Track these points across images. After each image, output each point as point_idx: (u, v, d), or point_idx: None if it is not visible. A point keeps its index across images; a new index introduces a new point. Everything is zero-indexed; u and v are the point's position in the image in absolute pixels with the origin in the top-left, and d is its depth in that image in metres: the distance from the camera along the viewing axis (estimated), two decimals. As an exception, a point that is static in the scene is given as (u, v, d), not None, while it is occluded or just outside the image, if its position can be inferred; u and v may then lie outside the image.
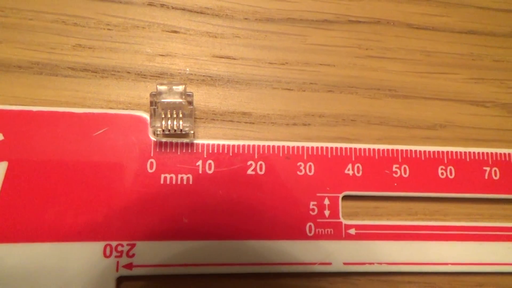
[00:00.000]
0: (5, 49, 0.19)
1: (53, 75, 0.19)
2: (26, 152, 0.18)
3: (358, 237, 0.19)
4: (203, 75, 0.21)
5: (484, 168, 0.20)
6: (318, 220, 0.19)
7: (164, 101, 0.17)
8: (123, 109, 0.19)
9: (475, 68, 0.23)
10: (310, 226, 0.19)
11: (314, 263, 0.19)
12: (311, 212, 0.19)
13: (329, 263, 0.19)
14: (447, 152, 0.20)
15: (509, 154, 0.21)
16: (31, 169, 0.17)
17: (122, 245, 0.18)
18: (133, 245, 0.18)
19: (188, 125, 0.17)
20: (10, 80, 0.19)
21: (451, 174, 0.20)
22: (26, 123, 0.18)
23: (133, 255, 0.18)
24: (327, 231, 0.19)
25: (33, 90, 0.19)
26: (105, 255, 0.17)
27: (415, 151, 0.20)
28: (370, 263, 0.19)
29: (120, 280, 0.18)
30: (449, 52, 0.23)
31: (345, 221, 0.19)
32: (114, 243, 0.17)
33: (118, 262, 0.17)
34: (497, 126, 0.22)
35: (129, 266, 0.17)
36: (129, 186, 0.18)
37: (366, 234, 0.19)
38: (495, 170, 0.20)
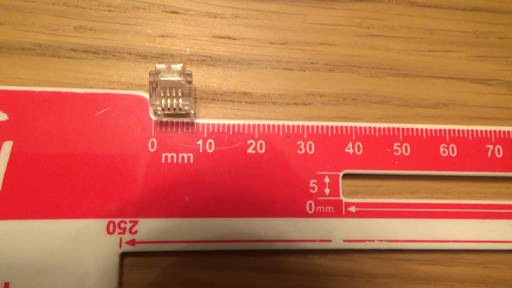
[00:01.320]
0: (8, 31, 0.19)
1: (56, 57, 0.19)
2: (30, 131, 0.18)
3: (358, 214, 0.19)
4: (203, 56, 0.21)
5: (487, 146, 0.20)
6: (318, 198, 0.19)
7: (163, 80, 0.17)
8: (124, 89, 0.19)
9: (479, 46, 0.22)
10: (310, 204, 0.19)
11: (314, 240, 0.19)
12: (311, 190, 0.19)
13: (329, 240, 0.19)
14: (449, 130, 0.20)
15: (512, 131, 0.20)
16: (35, 148, 0.18)
17: (125, 222, 0.18)
18: (135, 222, 0.18)
19: (187, 103, 0.17)
20: (14, 62, 0.19)
21: (453, 152, 0.20)
22: (29, 104, 0.18)
23: (136, 231, 0.18)
24: (327, 209, 0.19)
25: (36, 72, 0.19)
26: (108, 232, 0.18)
27: (417, 129, 0.20)
28: (370, 241, 0.19)
29: (123, 255, 0.18)
30: (453, 29, 0.22)
31: (345, 199, 0.19)
32: (117, 220, 0.18)
33: (121, 238, 0.18)
34: (501, 104, 0.22)
35: (132, 242, 0.18)
36: (131, 164, 0.18)
37: (366, 212, 0.19)
38: (498, 148, 0.20)
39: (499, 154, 0.20)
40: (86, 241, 0.17)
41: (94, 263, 0.17)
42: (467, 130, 0.20)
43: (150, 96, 0.17)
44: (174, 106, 0.17)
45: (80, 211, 0.18)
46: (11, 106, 0.18)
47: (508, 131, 0.20)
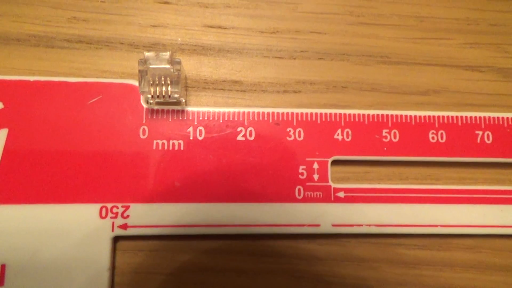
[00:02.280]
0: (4, 23, 0.20)
1: (50, 47, 0.20)
2: (24, 119, 0.18)
3: (347, 200, 0.19)
4: (195, 45, 0.21)
5: (477, 132, 0.20)
6: (307, 184, 0.19)
7: (152, 67, 0.17)
8: (117, 78, 0.20)
9: (470, 33, 0.22)
10: (299, 190, 0.19)
11: (303, 225, 0.19)
12: (300, 176, 0.19)
13: (318, 225, 0.19)
14: (438, 116, 0.20)
15: (502, 117, 0.20)
16: (30, 135, 0.18)
17: (117, 207, 0.18)
18: (127, 207, 0.18)
19: (176, 90, 0.18)
20: (9, 52, 0.20)
21: (442, 138, 0.20)
22: (24, 92, 0.19)
23: (128, 216, 0.18)
24: (316, 194, 0.19)
25: (31, 62, 0.20)
26: (101, 216, 0.18)
27: (405, 115, 0.20)
28: (358, 225, 0.19)
29: (116, 239, 0.19)
30: (444, 17, 0.22)
31: (334, 185, 0.19)
32: (109, 205, 0.18)
33: (113, 222, 0.18)
34: (492, 91, 0.22)
35: (124, 226, 0.18)
36: (123, 151, 0.19)
37: (355, 197, 0.19)
38: (487, 134, 0.20)
39: (488, 140, 0.20)
40: (79, 225, 0.18)
41: (87, 247, 0.18)
42: (456, 117, 0.20)
43: (140, 83, 0.17)
44: (164, 94, 0.18)
45: (74, 196, 0.18)
46: (6, 95, 0.19)
47: (498, 117, 0.20)
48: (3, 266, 0.17)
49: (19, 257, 0.17)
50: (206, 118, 0.20)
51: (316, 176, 0.19)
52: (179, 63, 0.18)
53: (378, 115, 0.20)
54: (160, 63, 0.17)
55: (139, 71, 0.17)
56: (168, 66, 0.17)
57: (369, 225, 0.19)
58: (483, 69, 0.22)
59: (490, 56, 0.22)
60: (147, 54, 0.17)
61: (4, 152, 0.18)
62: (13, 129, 0.18)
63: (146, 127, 0.19)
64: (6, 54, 0.20)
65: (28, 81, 0.19)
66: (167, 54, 0.17)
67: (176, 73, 0.17)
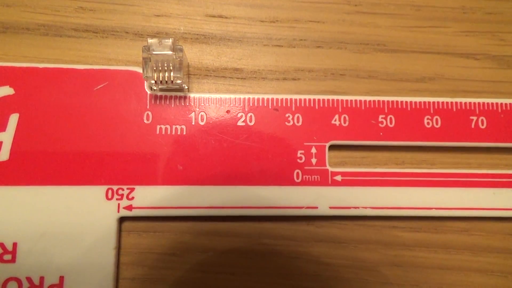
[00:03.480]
0: (14, 13, 0.21)
1: (58, 36, 0.21)
2: (34, 104, 0.19)
3: (344, 183, 0.20)
4: (197, 34, 0.22)
5: (471, 117, 0.21)
6: (305, 167, 0.20)
7: (155, 53, 0.18)
8: (122, 66, 0.21)
9: (466, 21, 0.23)
10: (297, 173, 0.20)
11: (301, 207, 0.20)
12: (298, 160, 0.20)
13: (316, 207, 0.20)
14: (433, 102, 0.21)
15: (496, 103, 0.21)
16: (39, 119, 0.19)
17: (123, 189, 0.19)
18: (132, 189, 0.19)
19: (178, 75, 0.18)
20: (19, 41, 0.21)
21: (437, 123, 0.21)
22: (34, 79, 0.20)
23: (133, 198, 0.19)
24: (314, 177, 0.20)
25: (40, 50, 0.21)
26: (107, 198, 0.19)
27: (401, 101, 0.21)
28: (355, 207, 0.20)
29: (121, 220, 0.19)
30: (440, 5, 0.23)
31: (331, 169, 0.20)
32: (115, 187, 0.19)
33: (119, 204, 0.19)
34: (487, 78, 0.22)
35: (129, 207, 0.19)
36: (128, 136, 0.19)
37: (352, 180, 0.20)
38: (482, 119, 0.21)
39: (482, 125, 0.21)
40: (86, 206, 0.19)
41: (94, 227, 0.19)
42: (451, 102, 0.21)
43: (143, 69, 0.18)
44: (166, 79, 0.18)
45: (81, 178, 0.19)
46: (17, 81, 0.19)
47: (492, 103, 0.21)
48: (15, 244, 0.18)
49: (29, 236, 0.18)
50: (207, 104, 0.20)
51: (314, 160, 0.20)
52: (181, 50, 0.18)
53: (374, 101, 0.21)
54: (163, 50, 0.18)
55: (143, 57, 0.18)
56: (170, 52, 0.18)
57: (365, 208, 0.20)
58: (478, 57, 0.22)
59: (486, 44, 0.22)
60: (150, 40, 0.18)
61: (15, 136, 0.19)
62: (23, 114, 0.19)
63: (150, 113, 0.20)
64: (17, 42, 0.21)
65: (38, 68, 0.20)
66: (169, 41, 0.18)
67: (178, 59, 0.18)
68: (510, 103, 0.21)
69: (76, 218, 0.19)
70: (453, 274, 0.20)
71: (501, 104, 0.21)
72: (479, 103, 0.21)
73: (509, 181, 0.20)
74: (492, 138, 0.21)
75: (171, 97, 0.20)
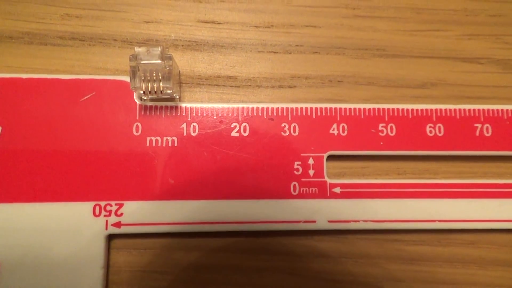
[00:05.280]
0: (-3, 21, 0.20)
1: (43, 44, 0.20)
2: (18, 117, 0.18)
3: (343, 195, 0.19)
4: (189, 41, 0.21)
5: (475, 125, 0.20)
6: (303, 179, 0.19)
7: (143, 63, 0.17)
8: (111, 75, 0.20)
9: (469, 24, 0.22)
10: (294, 186, 0.19)
11: (299, 221, 0.19)
12: (295, 172, 0.19)
13: (314, 221, 0.19)
14: (436, 109, 0.20)
15: (502, 110, 0.20)
16: (23, 133, 0.18)
17: (111, 205, 0.18)
18: (121, 205, 0.18)
19: (168, 85, 0.17)
20: (2, 50, 0.20)
21: (440, 131, 0.20)
22: (17, 90, 0.19)
23: (122, 214, 0.18)
24: (312, 190, 0.19)
25: (24, 59, 0.20)
26: (94, 214, 0.18)
27: (402, 109, 0.20)
28: (355, 221, 0.19)
29: (110, 237, 0.19)
30: (441, 8, 0.22)
31: (330, 180, 0.19)
32: (103, 203, 0.18)
33: (107, 221, 0.18)
34: (491, 83, 0.21)
35: (118, 224, 0.18)
36: (116, 148, 0.19)
37: (351, 192, 0.19)
38: (487, 127, 0.20)
39: (487, 133, 0.20)
40: (73, 223, 0.18)
41: (81, 245, 0.18)
42: (455, 109, 0.20)
43: (131, 79, 0.17)
44: (155, 89, 0.18)
45: (67, 194, 0.18)
46: (-1, 93, 0.19)
47: (497, 109, 0.20)
48: (-3, 264, 0.17)
49: (13, 255, 0.17)
50: (200, 114, 0.19)
51: (311, 172, 0.19)
52: (170, 58, 0.17)
53: (374, 109, 0.20)
54: (151, 59, 0.17)
55: (130, 67, 0.17)
56: (159, 61, 0.17)
57: (366, 221, 0.19)
58: (482, 61, 0.21)
59: (489, 48, 0.22)
60: (138, 49, 0.17)
61: (-3, 150, 0.18)
62: (6, 127, 0.18)
63: (139, 124, 0.19)
64: (0, 52, 0.20)
65: (21, 79, 0.19)
66: (158, 50, 0.17)
67: (168, 68, 0.17)
68: (516, 110, 0.20)
69: (62, 236, 0.18)
70: (458, 289, 0.19)
71: (507, 110, 0.20)
72: (483, 110, 0.20)
73: (516, 191, 0.20)
74: (497, 146, 0.20)
75: (161, 107, 0.19)
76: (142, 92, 0.18)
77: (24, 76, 0.19)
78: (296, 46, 0.21)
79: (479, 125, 0.20)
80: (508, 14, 0.22)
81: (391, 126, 0.20)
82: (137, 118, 0.19)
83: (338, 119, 0.20)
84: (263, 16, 0.21)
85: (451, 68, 0.21)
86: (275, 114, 0.20)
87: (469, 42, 0.22)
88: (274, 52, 0.21)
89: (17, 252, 0.17)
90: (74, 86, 0.19)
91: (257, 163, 0.19)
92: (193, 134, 0.19)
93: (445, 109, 0.20)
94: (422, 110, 0.20)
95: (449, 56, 0.21)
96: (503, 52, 0.22)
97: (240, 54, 0.21)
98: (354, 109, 0.20)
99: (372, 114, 0.20)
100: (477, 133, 0.20)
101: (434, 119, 0.20)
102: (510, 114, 0.20)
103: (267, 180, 0.19)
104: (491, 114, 0.20)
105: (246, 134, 0.19)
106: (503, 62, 0.21)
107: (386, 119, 0.20)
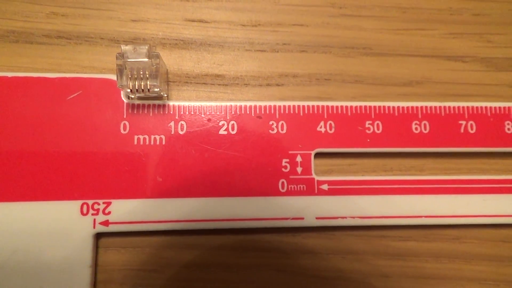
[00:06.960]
0: (-19, 19, 0.20)
1: (29, 43, 0.20)
2: (3, 116, 0.18)
3: (331, 192, 0.19)
4: (176, 39, 0.21)
5: (460, 122, 0.20)
6: (291, 176, 0.19)
7: (130, 61, 0.17)
8: (97, 73, 0.20)
9: (453, 23, 0.22)
10: (282, 183, 0.19)
11: (287, 218, 0.19)
12: (283, 169, 0.19)
13: (302, 218, 0.19)
14: (421, 107, 0.20)
15: (485, 107, 0.20)
16: (9, 132, 0.18)
17: (98, 203, 0.18)
18: (108, 203, 0.18)
19: (155, 83, 0.17)
20: (-13, 49, 0.19)
21: (425, 129, 0.20)
22: (2, 89, 0.18)
23: (109, 212, 0.18)
24: (300, 187, 0.19)
25: (10, 58, 0.20)
26: (82, 213, 0.18)
27: (388, 107, 0.20)
28: (342, 217, 0.19)
29: (98, 236, 0.19)
30: (426, 7, 0.22)
31: (317, 177, 0.19)
32: (90, 202, 0.18)
33: (95, 219, 0.18)
34: (476, 81, 0.22)
35: (106, 223, 0.18)
36: (104, 147, 0.19)
37: (339, 189, 0.19)
38: (471, 124, 0.20)
39: (472, 129, 0.20)
40: (60, 222, 0.18)
41: (68, 244, 0.18)
42: (440, 107, 0.20)
43: (118, 77, 0.17)
44: (143, 87, 0.17)
45: (53, 193, 0.18)
46: (-16, 91, 0.18)
47: (481, 107, 0.20)
48: (-17, 264, 0.17)
49: (0, 254, 0.17)
50: (187, 113, 0.19)
51: (299, 169, 0.19)
52: (157, 56, 0.17)
53: (361, 106, 0.20)
54: (138, 57, 0.17)
55: (117, 65, 0.17)
56: (146, 59, 0.17)
57: (353, 217, 0.19)
58: (466, 59, 0.22)
59: (473, 46, 0.22)
60: (124, 47, 0.17)
61: (-18, 149, 0.18)
62: (-9, 126, 0.18)
63: (127, 122, 0.19)
64: (-16, 50, 0.19)
65: (6, 77, 0.19)
66: (145, 48, 0.17)
67: (155, 66, 0.17)
68: (499, 107, 0.20)
69: (49, 235, 0.18)
70: (445, 284, 0.20)
71: (491, 107, 0.20)
72: (468, 107, 0.20)
73: (499, 187, 0.20)
74: (482, 142, 0.20)
75: (149, 105, 0.19)
76: (129, 90, 0.18)
77: (10, 74, 0.19)
78: (284, 45, 0.21)
79: (463, 122, 0.20)
80: (492, 13, 0.22)
81: (378, 124, 0.20)
82: (125, 116, 0.19)
83: (325, 116, 0.20)
84: (250, 15, 0.21)
85: (436, 66, 0.22)
86: (263, 112, 0.20)
87: (454, 40, 0.22)
88: (262, 51, 0.21)
89: (2, 253, 0.17)
90: (60, 84, 0.19)
91: (245, 161, 0.19)
92: (181, 133, 0.19)
93: (431, 107, 0.20)
94: (408, 107, 0.20)
95: (434, 54, 0.22)
96: (486, 50, 0.22)
97: (228, 52, 0.21)
98: (341, 107, 0.20)
99: (359, 112, 0.20)
100: (462, 130, 0.20)
101: (420, 116, 0.20)
102: (493, 111, 0.20)
103: (255, 178, 0.19)
104: (475, 111, 0.20)
105: (234, 132, 0.19)
106: (487, 60, 0.22)
107: (373, 116, 0.20)
